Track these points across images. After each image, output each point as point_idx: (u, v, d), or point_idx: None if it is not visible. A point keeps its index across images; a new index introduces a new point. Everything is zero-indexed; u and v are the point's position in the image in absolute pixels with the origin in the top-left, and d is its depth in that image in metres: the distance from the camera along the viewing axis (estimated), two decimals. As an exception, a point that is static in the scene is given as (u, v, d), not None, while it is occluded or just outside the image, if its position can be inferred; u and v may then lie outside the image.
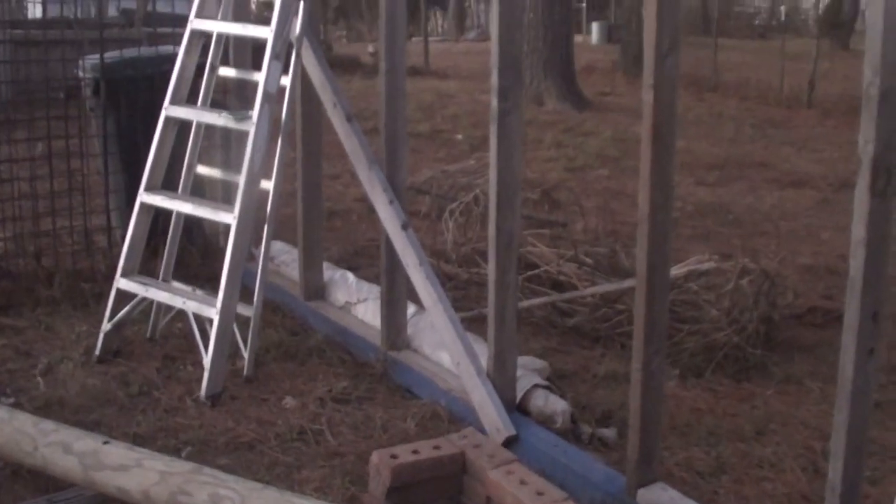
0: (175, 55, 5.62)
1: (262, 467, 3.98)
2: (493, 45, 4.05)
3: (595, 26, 32.17)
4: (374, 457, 3.45)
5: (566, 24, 16.75)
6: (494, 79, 4.06)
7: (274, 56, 4.63)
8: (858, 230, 3.00)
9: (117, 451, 3.50)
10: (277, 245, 6.18)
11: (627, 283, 5.61)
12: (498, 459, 3.44)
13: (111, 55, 6.01)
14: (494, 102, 4.07)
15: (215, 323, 4.60)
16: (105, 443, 3.57)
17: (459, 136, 11.49)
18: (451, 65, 21.74)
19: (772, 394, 5.06)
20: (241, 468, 3.86)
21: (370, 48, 20.96)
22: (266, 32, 4.69)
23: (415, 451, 3.47)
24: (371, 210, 8.21)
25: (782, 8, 29.16)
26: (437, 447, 3.52)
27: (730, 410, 4.83)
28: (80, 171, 6.19)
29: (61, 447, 3.59)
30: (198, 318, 4.84)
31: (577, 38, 27.62)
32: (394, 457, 3.42)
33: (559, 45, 15.90)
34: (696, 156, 11.30)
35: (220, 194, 5.80)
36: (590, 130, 12.70)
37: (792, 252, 7.52)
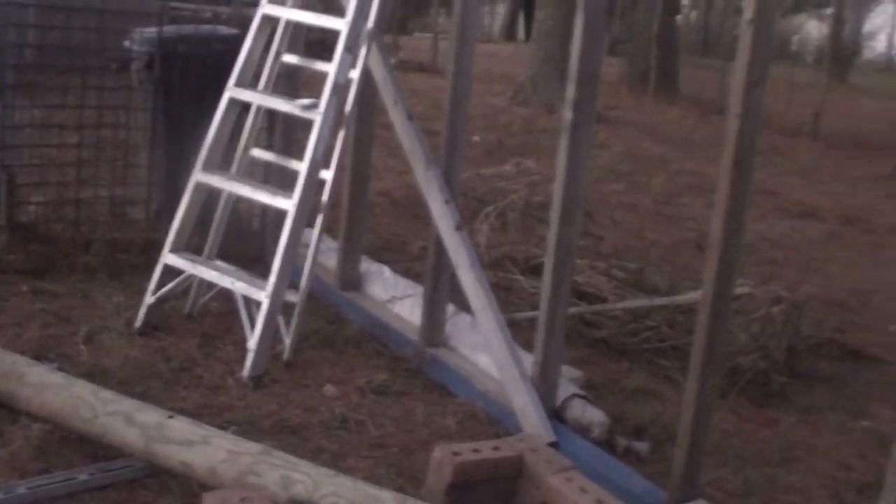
0: (228, 36, 5.67)
1: (308, 453, 4.01)
2: (573, 58, 4.11)
3: (597, 38, 32.22)
4: (437, 452, 3.50)
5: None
6: (571, 91, 4.12)
7: (346, 48, 4.68)
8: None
9: (183, 426, 3.55)
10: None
11: (659, 301, 5.70)
12: (556, 465, 3.50)
13: (168, 30, 6.02)
14: (568, 115, 4.13)
15: (264, 306, 4.64)
16: (170, 417, 3.61)
17: (476, 138, 11.53)
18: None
19: (794, 422, 5.16)
20: (286, 452, 3.90)
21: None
22: (340, 24, 4.74)
23: (475, 451, 3.52)
24: (395, 204, 8.36)
25: (795, 37, 29.37)
26: (496, 448, 3.57)
27: (755, 435, 4.94)
28: (123, 143, 6.21)
29: (123, 418, 3.63)
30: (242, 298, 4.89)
31: (581, 49, 27.66)
32: (456, 454, 3.47)
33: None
34: (707, 178, 11.39)
35: (261, 177, 5.84)
36: (602, 143, 12.76)
37: (801, 283, 7.63)
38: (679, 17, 22.57)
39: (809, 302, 6.95)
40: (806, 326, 6.27)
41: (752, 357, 5.40)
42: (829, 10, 37.96)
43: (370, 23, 4.90)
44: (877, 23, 52.37)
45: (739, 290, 5.46)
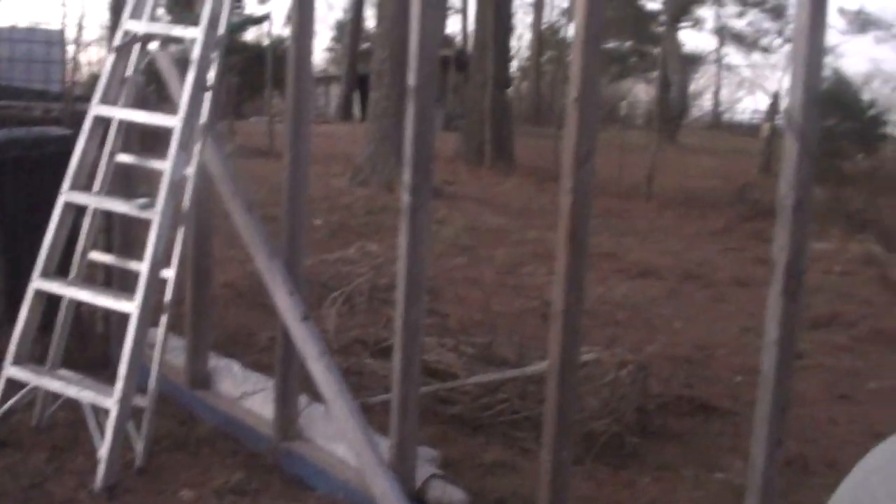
0: (60, 137, 5.59)
1: (170, 562, 3.94)
2: (407, 144, 4.18)
3: (433, 113, 32.77)
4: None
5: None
6: (407, 176, 4.18)
7: (181, 145, 4.66)
8: (772, 330, 3.20)
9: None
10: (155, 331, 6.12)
11: (509, 373, 5.77)
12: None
13: (-2, 134, 5.90)
14: (406, 198, 4.18)
15: (113, 413, 4.53)
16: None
17: (318, 221, 11.54)
18: (294, 147, 21.69)
19: (649, 481, 5.25)
20: (146, 562, 3.82)
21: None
22: (174, 122, 4.71)
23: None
24: (239, 295, 8.27)
25: (623, 103, 30.36)
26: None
27: (614, 498, 5.01)
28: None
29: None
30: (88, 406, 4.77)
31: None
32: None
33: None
34: (548, 246, 11.61)
35: (102, 279, 5.74)
36: (442, 219, 12.94)
37: (646, 342, 7.82)
38: (510, 90, 23.08)
39: (656, 360, 7.14)
40: (654, 385, 6.42)
41: (604, 421, 5.49)
42: (655, 74, 39.45)
43: (203, 117, 4.90)
44: (702, 83, 54.62)
45: (586, 357, 5.57)
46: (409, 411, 4.34)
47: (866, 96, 32.14)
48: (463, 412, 5.75)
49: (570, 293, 3.68)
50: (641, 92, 50.38)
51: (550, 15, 45.87)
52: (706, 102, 55.44)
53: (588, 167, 3.60)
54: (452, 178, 17.50)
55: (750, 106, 55.04)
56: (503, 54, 21.57)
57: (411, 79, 4.13)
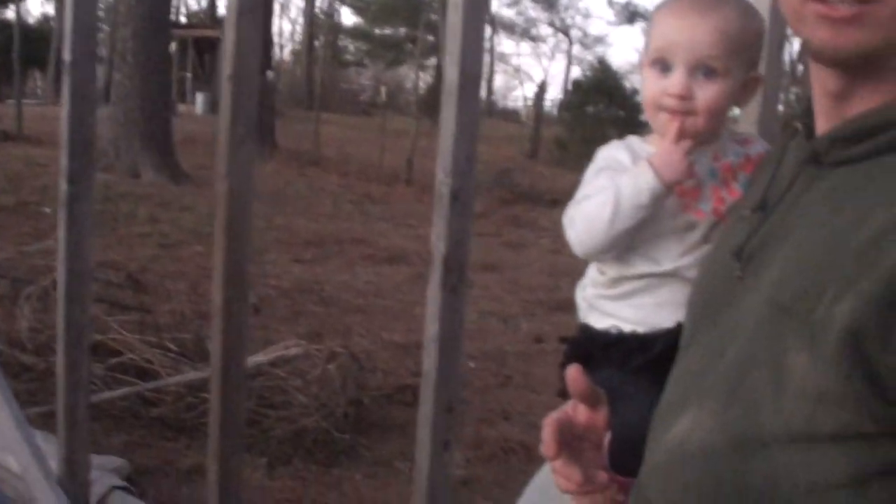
0: None
1: None
2: (64, 125, 3.79)
3: (199, 97, 32.02)
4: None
5: (165, 94, 16.41)
6: (63, 161, 3.80)
7: None
8: (432, 327, 2.99)
9: None
10: None
11: (210, 371, 5.45)
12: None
13: None
14: (63, 186, 3.80)
15: None
16: None
17: (47, 210, 10.89)
18: (47, 130, 20.72)
19: (360, 478, 5.05)
20: None
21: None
22: None
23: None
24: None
25: (383, 88, 30.30)
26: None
27: (319, 499, 4.77)
28: None
29: None
30: None
31: (182, 108, 27.46)
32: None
33: (157, 115, 15.44)
34: (294, 232, 11.34)
35: None
36: (187, 205, 12.45)
37: (384, 329, 7.64)
38: (271, 74, 22.64)
39: (389, 348, 6.96)
40: (381, 376, 6.23)
41: (313, 418, 5.23)
42: (430, 61, 39.61)
43: None
44: (476, 71, 55.44)
45: (293, 351, 5.32)
46: (78, 419, 3.95)
47: (632, 85, 33.12)
48: (166, 414, 5.39)
49: (230, 289, 3.37)
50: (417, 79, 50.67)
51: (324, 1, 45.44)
52: (480, 91, 56.32)
53: (245, 150, 3.30)
54: (209, 163, 16.95)
55: (523, 94, 56.20)
56: (264, 37, 21.05)
57: (66, 54, 3.75)
